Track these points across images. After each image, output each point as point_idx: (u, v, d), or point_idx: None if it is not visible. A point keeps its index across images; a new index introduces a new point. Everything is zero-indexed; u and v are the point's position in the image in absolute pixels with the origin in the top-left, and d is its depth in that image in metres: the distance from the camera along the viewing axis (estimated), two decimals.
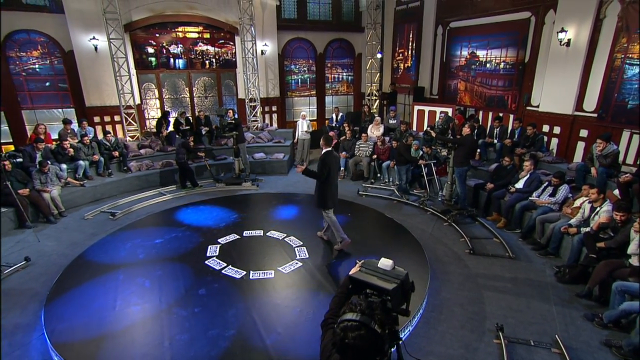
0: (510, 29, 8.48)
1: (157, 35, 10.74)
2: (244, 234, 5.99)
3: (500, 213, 6.74)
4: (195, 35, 11.22)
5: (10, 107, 9.95)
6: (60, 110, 10.31)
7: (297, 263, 5.12)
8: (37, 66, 10.01)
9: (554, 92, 7.73)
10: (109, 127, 10.34)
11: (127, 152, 9.09)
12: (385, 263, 1.78)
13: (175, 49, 11.03)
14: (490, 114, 9.25)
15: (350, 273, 1.87)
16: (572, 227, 5.32)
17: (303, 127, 10.60)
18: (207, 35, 11.34)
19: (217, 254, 5.34)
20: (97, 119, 10.27)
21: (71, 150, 7.89)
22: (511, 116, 8.68)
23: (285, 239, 5.83)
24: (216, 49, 11.54)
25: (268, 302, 4.30)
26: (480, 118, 9.63)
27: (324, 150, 5.27)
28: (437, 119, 9.54)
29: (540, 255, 5.64)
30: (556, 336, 3.93)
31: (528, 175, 6.58)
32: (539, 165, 7.33)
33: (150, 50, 10.78)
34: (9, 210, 6.62)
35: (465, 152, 6.71)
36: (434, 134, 6.80)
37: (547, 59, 7.79)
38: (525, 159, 6.99)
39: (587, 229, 5.08)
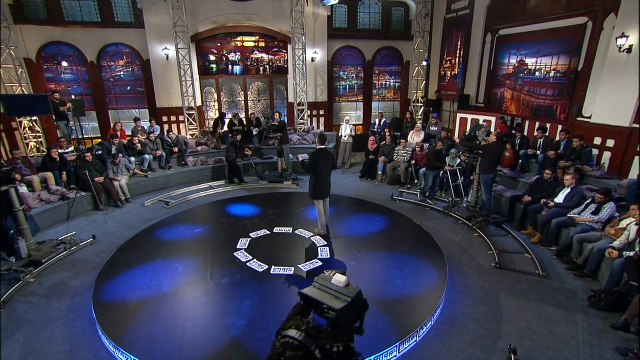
0: (563, 35, 7.58)
1: (219, 44, 11.29)
2: (274, 230, 6.05)
3: (536, 228, 6.07)
4: (252, 44, 11.60)
5: (101, 108, 11.11)
6: (137, 110, 11.28)
7: (317, 262, 5.05)
8: (122, 73, 11.05)
9: (609, 103, 6.78)
10: (174, 126, 11.13)
11: (186, 148, 9.68)
12: (338, 279, 1.65)
13: (233, 57, 11.51)
14: (537, 124, 8.37)
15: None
16: (614, 250, 4.62)
17: (346, 131, 10.50)
18: (262, 44, 11.67)
19: (246, 247, 5.45)
20: (165, 119, 11.10)
21: (139, 145, 8.60)
22: (559, 127, 7.77)
23: (311, 238, 5.79)
24: (270, 56, 11.84)
25: (282, 298, 4.29)
26: (526, 128, 8.78)
27: (317, 147, 5.60)
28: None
29: (575, 276, 4.98)
30: None
31: (569, 190, 5.85)
32: (586, 180, 6.51)
33: (212, 58, 11.36)
34: (87, 195, 7.39)
35: (490, 160, 6.26)
36: (458, 140, 6.38)
37: (603, 67, 6.85)
38: (569, 172, 6.22)
39: (631, 254, 4.38)
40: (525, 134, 8.43)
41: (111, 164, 7.82)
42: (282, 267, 4.89)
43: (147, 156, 8.66)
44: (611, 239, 4.88)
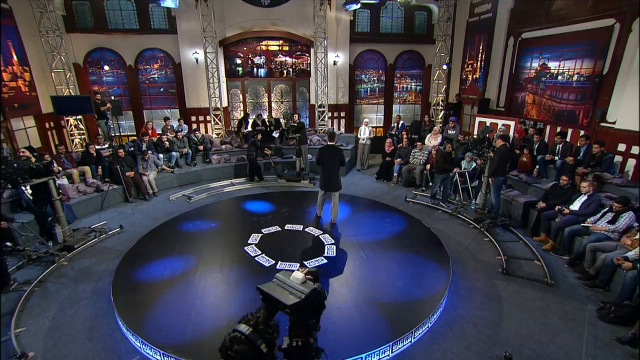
0: (588, 38, 7.13)
1: (245, 48, 11.53)
2: (286, 227, 6.09)
3: (549, 234, 5.77)
4: (276, 48, 11.75)
5: (137, 107, 11.66)
6: (168, 110, 11.75)
7: (322, 259, 5.06)
8: (156, 76, 11.54)
9: (635, 108, 6.31)
10: (202, 125, 11.51)
11: (211, 146, 9.97)
12: (296, 276, 1.67)
13: (258, 60, 11.71)
14: (559, 128, 7.93)
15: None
16: (627, 261, 4.31)
17: (365, 133, 10.41)
18: (286, 48, 11.80)
19: (256, 242, 5.54)
20: (194, 118, 11.50)
21: (167, 143, 8.96)
22: (582, 132, 7.32)
23: (320, 236, 5.79)
24: (293, 59, 11.94)
25: None
26: (547, 133, 8.33)
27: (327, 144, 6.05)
28: (497, 131, 8.55)
29: (585, 286, 4.68)
30: None
31: (586, 197, 5.52)
32: (606, 188, 6.10)
33: (238, 61, 11.61)
34: (119, 188, 7.80)
35: (500, 163, 6.10)
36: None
37: (630, 71, 6.39)
38: (587, 179, 5.86)
39: None
40: (546, 139, 8.02)
41: (141, 160, 8.20)
42: (288, 263, 4.94)
43: (174, 153, 9.01)
44: (627, 249, 4.57)
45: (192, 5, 10.42)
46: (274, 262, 4.96)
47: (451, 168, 7.48)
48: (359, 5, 10.65)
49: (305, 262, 4.96)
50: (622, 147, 6.55)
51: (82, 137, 10.74)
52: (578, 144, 6.85)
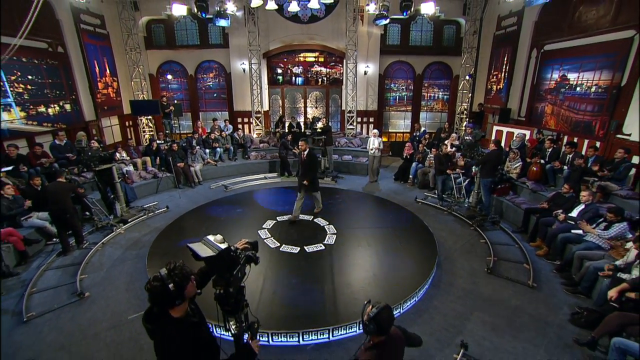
0: (608, 49, 6.53)
1: (285, 59, 12.11)
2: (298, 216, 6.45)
3: (544, 240, 5.48)
4: (313, 59, 12.17)
5: (194, 110, 12.80)
6: (219, 112, 12.72)
7: (321, 246, 5.32)
8: (210, 83, 12.57)
9: None
10: (246, 126, 12.31)
11: (250, 144, 10.66)
12: (216, 238, 1.99)
13: (296, 70, 12.22)
14: (575, 139, 7.33)
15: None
16: (608, 270, 4.03)
17: (374, 144, 9.09)
18: (321, 59, 12.16)
19: (269, 227, 5.97)
20: (239, 120, 12.34)
21: (213, 140, 9.78)
22: (597, 143, 6.73)
23: (325, 226, 6.05)
24: (327, 69, 12.27)
25: (281, 269, 4.72)
26: (563, 144, 7.72)
27: (307, 150, 6.31)
28: (513, 138, 8.13)
29: (568, 292, 4.44)
30: None
31: (584, 206, 5.16)
32: (611, 199, 5.60)
33: (279, 70, 12.23)
34: (171, 176, 8.73)
35: (490, 166, 6.25)
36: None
37: None
38: (591, 187, 5.46)
39: (624, 276, 3.80)
40: (562, 149, 7.46)
41: (190, 154, 9.09)
42: (290, 246, 5.29)
43: (218, 149, 9.82)
44: (614, 258, 4.25)
45: (242, 23, 11.21)
46: (279, 244, 5.35)
47: (445, 169, 7.36)
48: (388, 21, 10.63)
49: (306, 247, 5.27)
50: (636, 159, 5.95)
51: (151, 133, 12.08)
52: (587, 154, 6.33)
